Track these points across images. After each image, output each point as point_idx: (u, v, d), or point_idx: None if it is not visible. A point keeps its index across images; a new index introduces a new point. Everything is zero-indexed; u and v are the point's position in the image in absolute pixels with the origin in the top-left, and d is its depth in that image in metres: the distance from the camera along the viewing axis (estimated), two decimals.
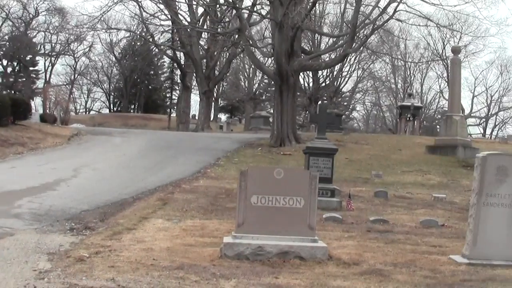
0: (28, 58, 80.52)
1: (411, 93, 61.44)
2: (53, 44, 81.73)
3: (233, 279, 7.31)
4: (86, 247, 9.16)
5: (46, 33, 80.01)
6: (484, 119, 79.99)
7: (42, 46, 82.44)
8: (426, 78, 79.90)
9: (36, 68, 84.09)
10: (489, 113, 79.51)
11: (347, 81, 70.73)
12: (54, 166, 20.55)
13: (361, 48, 41.75)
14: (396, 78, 77.17)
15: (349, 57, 52.58)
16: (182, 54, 59.80)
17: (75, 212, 12.85)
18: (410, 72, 77.53)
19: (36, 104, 68.29)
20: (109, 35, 75.41)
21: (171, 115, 71.50)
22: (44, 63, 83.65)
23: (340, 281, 7.49)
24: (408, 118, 51.01)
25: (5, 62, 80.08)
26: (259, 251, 8.36)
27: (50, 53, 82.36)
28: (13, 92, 67.23)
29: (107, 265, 7.80)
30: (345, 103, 77.58)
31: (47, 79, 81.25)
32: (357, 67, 68.40)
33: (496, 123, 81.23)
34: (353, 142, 33.62)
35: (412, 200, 17.54)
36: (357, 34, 33.98)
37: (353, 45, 34.28)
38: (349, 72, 68.43)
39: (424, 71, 78.03)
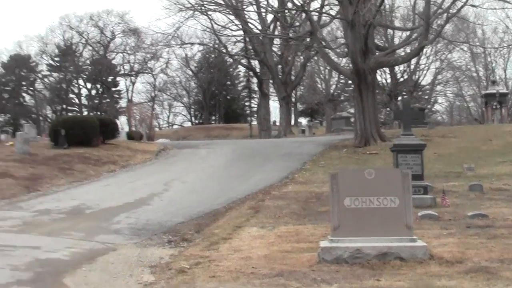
0: (109, 79, 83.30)
1: (495, 80, 59.56)
2: (131, 64, 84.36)
3: (334, 284, 7.23)
4: (185, 258, 9.33)
5: (124, 54, 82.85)
6: None
7: (121, 66, 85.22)
8: (509, 63, 77.09)
9: (118, 88, 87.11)
10: None
11: (425, 74, 69.49)
12: (146, 182, 21.07)
13: (437, 38, 40.88)
14: (477, 66, 74.74)
15: (425, 49, 51.46)
16: (257, 62, 60.26)
17: (171, 225, 13.14)
18: (490, 59, 75.03)
19: (121, 122, 70.26)
20: (184, 50, 76.75)
21: (252, 123, 71.96)
22: (125, 83, 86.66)
23: (445, 280, 7.25)
24: (494, 106, 49.49)
25: (89, 85, 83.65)
26: (358, 254, 8.23)
27: (129, 73, 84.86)
28: (99, 113, 69.54)
29: (208, 276, 7.90)
30: (426, 97, 76.00)
31: (129, 98, 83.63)
32: (434, 58, 67.04)
33: None
34: (439, 136, 32.90)
35: (510, 192, 16.84)
36: (431, 25, 33.22)
37: (428, 37, 33.54)
38: (427, 64, 67.19)
39: (506, 56, 75.32)
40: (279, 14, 44.79)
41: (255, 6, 49.42)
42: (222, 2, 46.61)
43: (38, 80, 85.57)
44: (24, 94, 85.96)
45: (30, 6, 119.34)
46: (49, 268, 8.96)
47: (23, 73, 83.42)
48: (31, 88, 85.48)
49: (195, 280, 7.71)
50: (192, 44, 65.19)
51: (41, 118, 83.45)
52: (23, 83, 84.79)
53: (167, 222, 13.44)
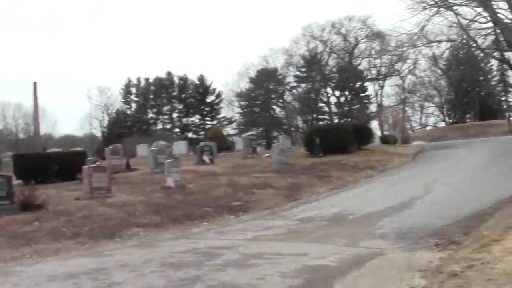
0: (357, 85, 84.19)
1: None
2: (378, 68, 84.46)
3: None
4: (456, 261, 8.98)
5: (369, 58, 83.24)
6: None
7: (368, 71, 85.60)
8: None
9: (366, 93, 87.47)
10: None
11: None
12: (405, 185, 20.94)
13: None
14: None
15: None
16: (510, 53, 57.03)
17: (436, 227, 12.77)
18: None
19: (373, 127, 70.70)
20: (431, 49, 74.92)
21: (510, 118, 68.09)
22: (373, 87, 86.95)
23: None
24: None
25: (337, 93, 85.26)
26: None
27: (377, 77, 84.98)
28: (349, 119, 70.62)
29: (483, 279, 7.51)
30: None
31: (379, 102, 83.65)
32: None
33: None
34: None
35: None
36: None
37: None
38: None
39: None
40: None
41: None
42: None
43: (287, 92, 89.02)
44: (274, 107, 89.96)
45: (272, 21, 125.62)
46: (318, 274, 9.16)
47: (271, 86, 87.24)
48: (280, 100, 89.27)
49: (469, 283, 7.39)
50: (439, 42, 62.86)
51: (292, 128, 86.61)
52: (272, 96, 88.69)
53: (432, 225, 13.09)
